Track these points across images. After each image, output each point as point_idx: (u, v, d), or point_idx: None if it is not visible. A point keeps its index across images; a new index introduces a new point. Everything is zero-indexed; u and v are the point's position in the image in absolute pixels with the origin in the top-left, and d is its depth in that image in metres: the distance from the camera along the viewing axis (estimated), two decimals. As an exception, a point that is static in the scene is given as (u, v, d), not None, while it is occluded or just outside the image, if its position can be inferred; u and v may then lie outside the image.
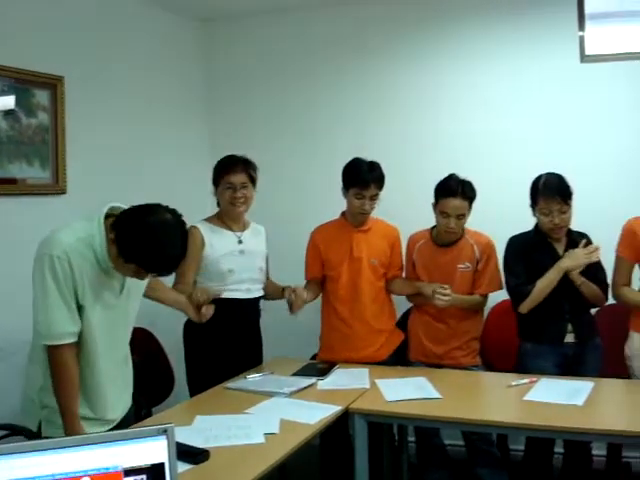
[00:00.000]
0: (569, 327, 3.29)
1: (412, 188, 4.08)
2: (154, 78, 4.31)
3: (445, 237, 3.51)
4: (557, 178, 3.27)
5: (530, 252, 3.34)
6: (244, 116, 4.75)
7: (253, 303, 3.50)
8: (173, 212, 2.36)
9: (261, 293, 3.53)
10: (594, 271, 3.27)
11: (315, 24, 4.55)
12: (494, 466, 3.44)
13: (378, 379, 3.20)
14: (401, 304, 3.81)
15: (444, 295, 3.33)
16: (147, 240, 2.26)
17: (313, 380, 3.19)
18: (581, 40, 4.14)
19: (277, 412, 2.76)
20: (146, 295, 2.78)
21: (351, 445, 2.96)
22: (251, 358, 3.49)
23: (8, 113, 3.38)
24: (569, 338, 3.29)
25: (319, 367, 3.40)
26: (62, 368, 2.35)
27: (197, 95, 4.76)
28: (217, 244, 3.39)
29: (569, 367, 3.26)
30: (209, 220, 3.46)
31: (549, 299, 3.26)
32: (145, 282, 2.67)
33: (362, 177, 3.42)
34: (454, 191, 3.37)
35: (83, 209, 2.44)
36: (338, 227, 3.62)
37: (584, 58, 4.13)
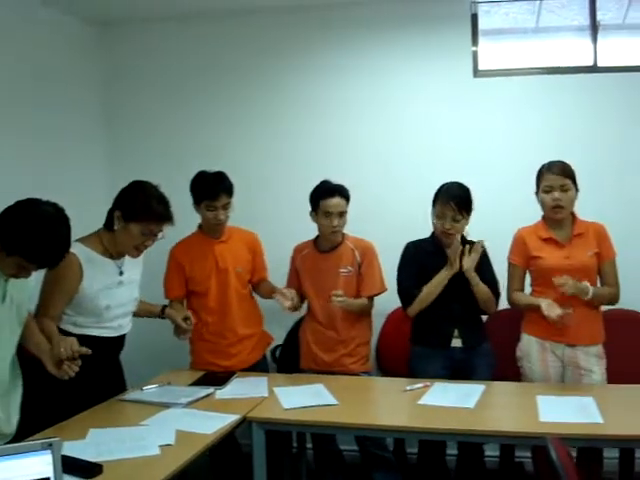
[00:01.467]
0: (455, 332, 3.39)
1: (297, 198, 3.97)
2: (51, 82, 4.12)
3: (330, 239, 3.57)
4: (459, 187, 3.38)
5: (423, 257, 3.43)
6: (144, 122, 4.64)
7: (120, 340, 3.22)
8: (54, 205, 2.35)
9: (129, 328, 3.25)
10: (485, 275, 3.39)
11: (216, 32, 4.51)
12: (388, 470, 3.50)
13: (276, 387, 3.21)
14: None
15: (338, 298, 3.40)
16: (29, 228, 2.25)
17: (211, 390, 3.17)
18: (474, 55, 4.29)
19: (173, 423, 2.72)
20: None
21: (240, 453, 2.95)
22: (113, 390, 3.16)
23: None
24: (456, 343, 3.39)
25: (217, 376, 3.37)
26: None
27: (96, 101, 4.60)
28: (96, 277, 2.98)
29: (457, 371, 3.35)
30: (87, 243, 3.01)
31: (438, 304, 3.37)
32: (29, 293, 2.60)
33: (211, 189, 3.43)
34: (332, 191, 3.47)
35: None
36: (198, 241, 3.60)
37: (477, 73, 4.28)
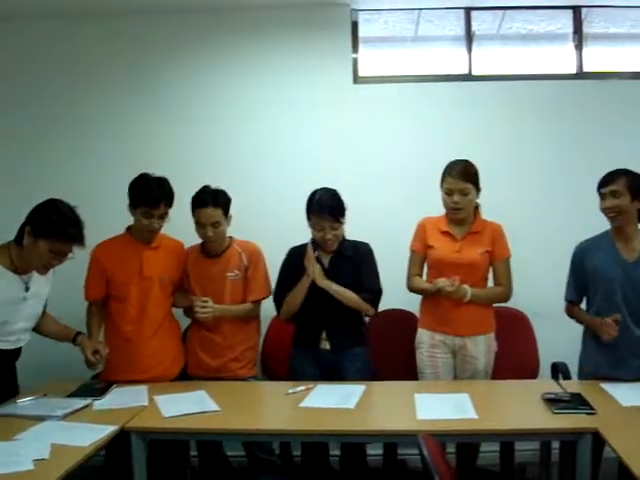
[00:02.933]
0: (323, 334, 3.46)
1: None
2: None
3: (210, 247, 3.54)
4: (330, 195, 3.42)
5: (299, 262, 3.45)
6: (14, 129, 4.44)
7: (16, 352, 3.16)
8: None
9: (28, 339, 3.20)
10: (363, 276, 3.45)
11: (95, 30, 4.39)
12: (274, 474, 3.50)
13: (157, 395, 3.15)
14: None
15: (202, 308, 3.40)
16: None
17: (89, 401, 3.07)
18: (354, 62, 4.37)
19: (49, 436, 2.63)
20: None
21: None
22: (6, 390, 3.11)
23: None
24: (324, 345, 3.46)
25: (96, 387, 3.27)
26: None
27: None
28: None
29: (328, 373, 3.41)
30: None
31: (309, 307, 3.43)
32: None
33: (151, 195, 3.33)
34: (205, 201, 3.42)
35: None
36: (124, 244, 3.49)
37: (357, 80, 4.36)
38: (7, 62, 4.42)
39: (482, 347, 3.44)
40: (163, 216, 3.39)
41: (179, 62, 4.38)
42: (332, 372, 3.40)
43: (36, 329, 3.27)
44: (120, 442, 2.76)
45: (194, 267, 3.61)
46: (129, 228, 3.52)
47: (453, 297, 3.34)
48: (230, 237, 3.60)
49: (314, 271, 3.37)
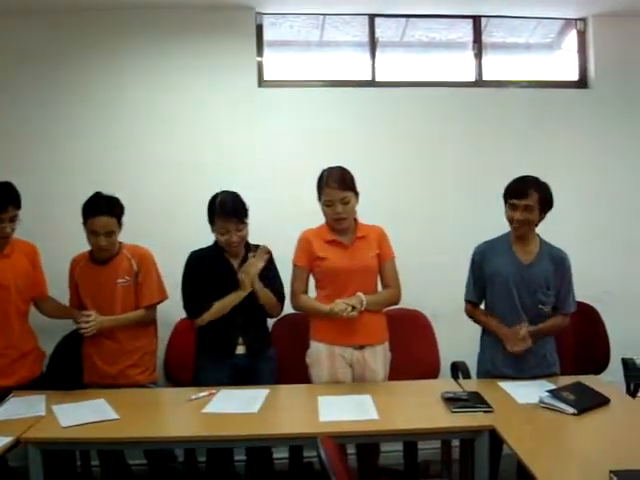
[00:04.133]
0: (240, 339, 3.42)
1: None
2: None
3: (100, 254, 3.47)
4: (232, 198, 3.39)
5: (206, 266, 3.43)
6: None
7: None
8: None
9: None
10: (271, 280, 3.45)
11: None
12: (176, 480, 3.48)
13: (55, 405, 3.06)
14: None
15: (86, 323, 3.34)
16: None
17: (-19, 411, 2.96)
18: (259, 66, 4.37)
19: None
20: None
21: (14, 476, 2.79)
22: None
23: None
24: (240, 350, 3.42)
25: (-10, 397, 3.16)
26: None
27: None
28: None
29: (242, 378, 3.38)
30: None
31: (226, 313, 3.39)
32: None
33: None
34: (99, 210, 3.36)
35: None
36: None
37: (262, 83, 4.37)
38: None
39: (380, 358, 3.43)
40: (13, 219, 3.31)
41: (82, 62, 4.28)
42: (245, 376, 3.38)
43: None
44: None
45: (83, 275, 3.53)
46: None
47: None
48: (120, 242, 3.53)
49: (253, 282, 3.33)
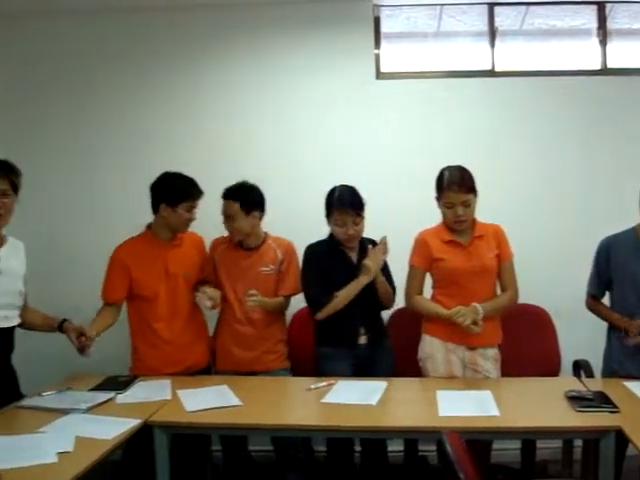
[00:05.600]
0: (362, 330, 3.44)
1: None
2: None
3: (246, 241, 3.58)
4: (350, 191, 3.42)
5: (325, 260, 3.47)
6: (31, 121, 4.44)
7: (9, 332, 3.10)
8: None
9: (19, 321, 3.16)
10: (383, 271, 3.45)
11: (90, 29, 4.39)
12: (300, 469, 3.51)
13: (180, 389, 3.17)
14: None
15: (252, 299, 3.40)
16: None
17: (112, 394, 3.10)
18: (377, 58, 4.36)
19: (73, 429, 2.65)
20: None
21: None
22: (5, 395, 3.03)
23: None
24: (362, 340, 3.45)
25: (119, 380, 3.30)
26: None
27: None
28: None
29: (363, 368, 3.40)
30: None
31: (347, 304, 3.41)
32: None
33: (196, 188, 3.47)
34: (226, 194, 3.53)
35: None
36: (146, 243, 3.51)
37: (379, 75, 4.35)
38: (17, 59, 4.45)
39: (491, 360, 3.36)
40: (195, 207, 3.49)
41: (196, 60, 4.38)
42: (366, 367, 3.40)
43: (22, 323, 3.22)
44: (139, 436, 2.77)
45: (223, 258, 3.63)
46: (149, 227, 3.54)
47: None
48: (265, 232, 3.64)
49: (376, 268, 3.36)
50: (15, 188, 2.99)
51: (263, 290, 3.53)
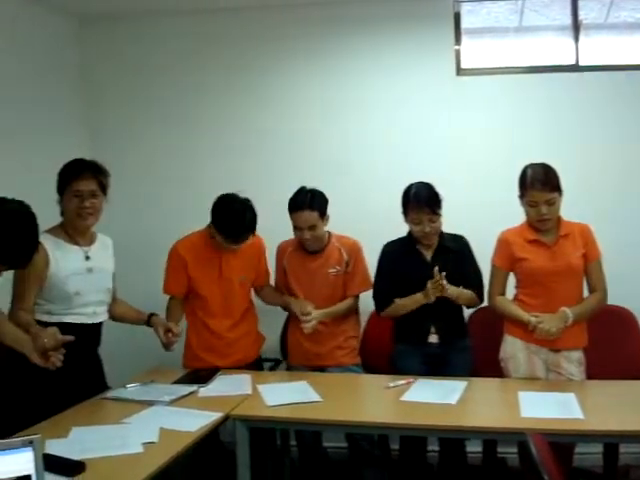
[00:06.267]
0: (432, 328, 3.42)
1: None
2: (25, 78, 4.09)
3: (310, 247, 3.59)
4: (426, 188, 3.39)
5: (399, 258, 3.47)
6: (122, 122, 4.62)
7: (97, 328, 3.22)
8: (20, 203, 2.29)
9: (106, 317, 3.27)
10: (469, 276, 3.42)
11: (193, 28, 4.51)
12: (375, 466, 3.51)
13: (260, 384, 3.22)
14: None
15: (307, 322, 3.46)
16: None
17: (194, 387, 3.17)
18: (457, 54, 4.31)
19: (157, 421, 2.72)
20: None
21: (224, 450, 2.95)
22: (92, 386, 3.16)
23: None
24: (432, 339, 3.43)
25: (201, 374, 3.37)
26: None
27: (74, 97, 4.57)
28: (62, 262, 3.02)
29: (436, 367, 3.38)
30: (52, 232, 3.06)
31: None
32: None
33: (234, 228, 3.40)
34: (301, 205, 3.46)
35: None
36: (204, 242, 3.54)
37: (460, 72, 4.30)
38: (116, 60, 4.62)
39: (575, 363, 3.26)
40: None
41: (283, 60, 4.44)
42: (439, 365, 3.38)
43: (111, 315, 3.34)
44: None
45: (292, 262, 3.67)
46: (210, 226, 3.54)
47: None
48: (328, 232, 3.64)
49: (440, 291, 3.29)
50: (104, 188, 3.11)
51: (332, 291, 3.59)
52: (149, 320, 3.41)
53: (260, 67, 4.45)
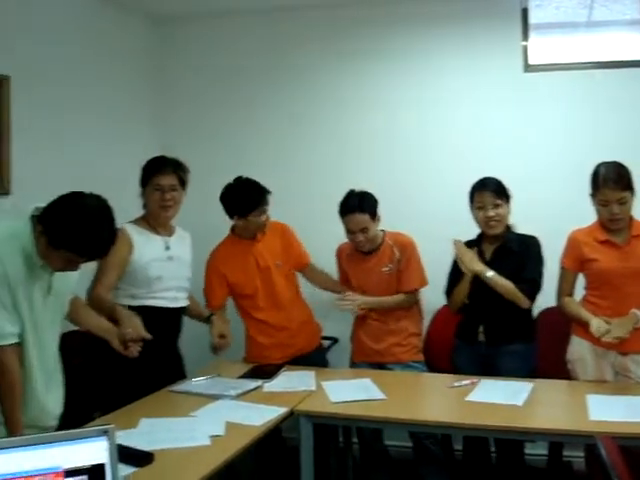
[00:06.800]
0: (480, 327, 3.40)
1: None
2: (103, 78, 4.25)
3: (364, 249, 3.61)
4: (491, 178, 3.40)
5: None
6: (198, 118, 4.72)
7: (178, 313, 3.40)
8: (98, 197, 2.35)
9: (186, 303, 3.45)
10: (525, 268, 3.35)
11: (270, 30, 4.57)
12: (437, 465, 3.51)
13: (324, 381, 3.24)
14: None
15: (346, 303, 3.50)
16: (75, 222, 2.24)
17: (259, 382, 3.21)
18: (525, 50, 4.25)
19: (223, 414, 2.77)
20: (69, 318, 2.70)
21: (285, 446, 2.97)
22: (173, 372, 3.36)
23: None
24: (481, 337, 3.41)
25: (265, 370, 3.41)
26: (4, 371, 2.29)
27: (148, 96, 4.71)
28: (145, 248, 3.24)
29: (485, 367, 3.35)
30: (136, 222, 3.30)
31: (471, 300, 3.41)
32: (71, 283, 2.61)
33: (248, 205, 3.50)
34: (352, 208, 3.48)
35: (27, 210, 2.40)
36: (234, 246, 3.64)
37: (527, 68, 4.24)
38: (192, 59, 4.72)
39: None
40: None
41: (352, 62, 4.45)
42: (487, 367, 3.34)
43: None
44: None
45: (350, 263, 3.72)
46: (233, 229, 3.66)
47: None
48: (382, 231, 3.65)
49: (469, 261, 3.33)
50: (183, 183, 3.31)
51: (386, 288, 3.60)
52: (208, 319, 3.52)
53: (335, 67, 4.48)
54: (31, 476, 1.60)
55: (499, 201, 3.34)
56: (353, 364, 3.73)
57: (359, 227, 3.49)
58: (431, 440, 3.48)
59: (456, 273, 3.45)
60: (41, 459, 1.61)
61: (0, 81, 3.51)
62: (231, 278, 3.60)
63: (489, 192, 3.33)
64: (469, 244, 3.45)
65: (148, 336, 2.83)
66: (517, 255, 3.38)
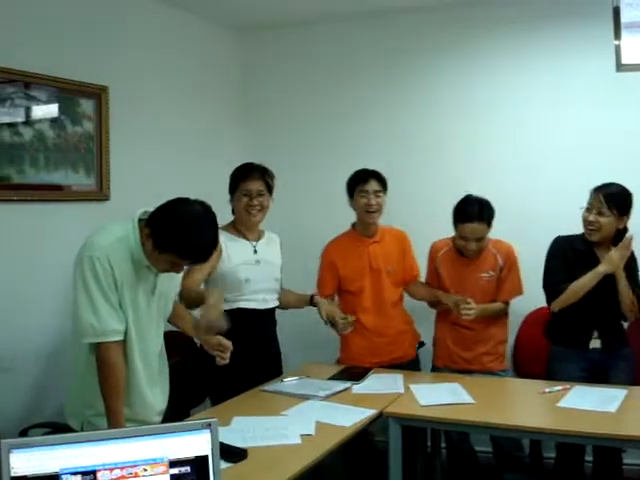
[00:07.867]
0: (595, 333, 3.31)
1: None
2: (195, 88, 4.41)
3: (473, 257, 3.57)
4: (614, 184, 3.29)
5: (570, 254, 3.36)
6: (281, 126, 4.84)
7: (269, 313, 3.47)
8: (202, 203, 2.45)
9: (276, 303, 3.50)
10: (630, 279, 3.26)
11: (344, 35, 4.63)
12: (522, 472, 3.47)
13: (412, 384, 3.24)
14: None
15: (469, 310, 3.39)
16: (181, 227, 2.35)
17: (348, 384, 3.24)
18: (617, 49, 4.15)
19: (313, 414, 2.82)
20: (170, 321, 2.83)
21: (372, 447, 2.98)
22: (270, 369, 3.43)
23: (53, 121, 3.48)
24: (595, 344, 3.31)
25: (354, 372, 3.43)
26: (109, 367, 2.41)
27: (235, 105, 4.86)
28: (233, 253, 3.33)
29: (596, 373, 3.26)
30: (225, 228, 3.34)
31: (581, 303, 3.27)
32: (176, 285, 2.75)
33: (362, 175, 3.59)
34: (471, 216, 3.42)
35: (126, 215, 2.51)
36: (351, 240, 3.67)
37: (620, 67, 4.13)
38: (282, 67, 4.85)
39: None
40: (378, 194, 3.58)
41: (441, 60, 4.48)
42: (599, 373, 3.27)
43: (279, 304, 3.53)
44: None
45: (446, 264, 3.67)
46: (353, 225, 3.69)
47: None
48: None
49: (619, 258, 3.18)
50: (270, 189, 3.39)
51: (483, 295, 3.54)
52: (311, 300, 3.57)
53: (420, 69, 4.52)
54: (137, 465, 1.69)
55: (605, 209, 3.22)
56: (435, 368, 3.70)
57: (476, 236, 3.45)
58: (514, 446, 3.44)
59: (557, 268, 3.35)
60: (147, 450, 1.70)
61: (100, 91, 3.69)
62: (342, 270, 3.64)
63: (600, 197, 3.23)
64: (574, 240, 3.38)
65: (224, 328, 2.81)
66: (633, 260, 3.32)
